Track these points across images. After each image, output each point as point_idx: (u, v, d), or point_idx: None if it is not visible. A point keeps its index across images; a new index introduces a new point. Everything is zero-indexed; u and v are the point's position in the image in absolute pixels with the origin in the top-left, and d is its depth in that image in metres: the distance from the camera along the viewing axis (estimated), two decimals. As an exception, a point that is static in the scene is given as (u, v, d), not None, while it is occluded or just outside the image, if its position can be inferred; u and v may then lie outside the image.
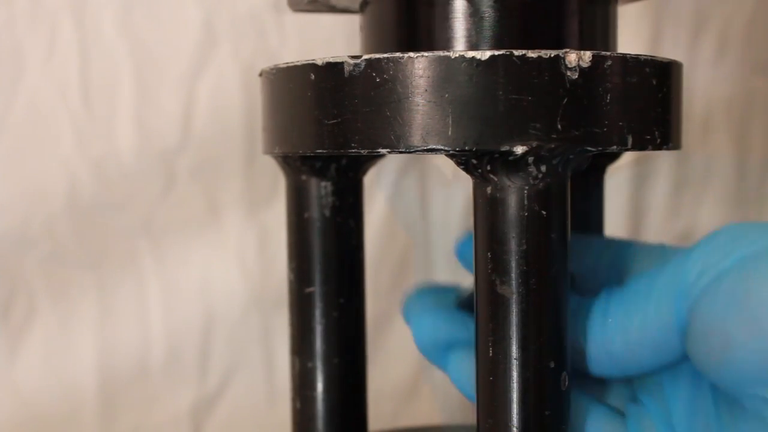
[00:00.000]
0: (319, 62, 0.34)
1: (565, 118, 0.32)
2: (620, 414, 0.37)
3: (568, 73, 0.32)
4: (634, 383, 0.39)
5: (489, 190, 0.33)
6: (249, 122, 0.65)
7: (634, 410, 0.37)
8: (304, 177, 0.40)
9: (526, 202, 0.32)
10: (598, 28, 0.39)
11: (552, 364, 0.33)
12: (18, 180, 0.63)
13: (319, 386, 0.41)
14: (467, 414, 0.67)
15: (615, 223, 0.70)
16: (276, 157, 0.40)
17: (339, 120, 0.33)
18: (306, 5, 0.43)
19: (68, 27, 0.63)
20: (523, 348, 0.33)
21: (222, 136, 0.65)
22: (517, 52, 0.31)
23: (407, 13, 0.37)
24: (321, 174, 0.40)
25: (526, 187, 0.32)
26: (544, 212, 0.33)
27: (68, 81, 0.63)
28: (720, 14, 0.71)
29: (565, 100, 0.32)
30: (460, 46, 0.36)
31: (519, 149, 0.31)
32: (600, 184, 0.46)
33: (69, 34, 0.63)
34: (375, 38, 0.39)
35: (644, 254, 0.40)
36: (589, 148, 0.32)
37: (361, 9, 0.40)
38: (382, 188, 0.69)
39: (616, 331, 0.34)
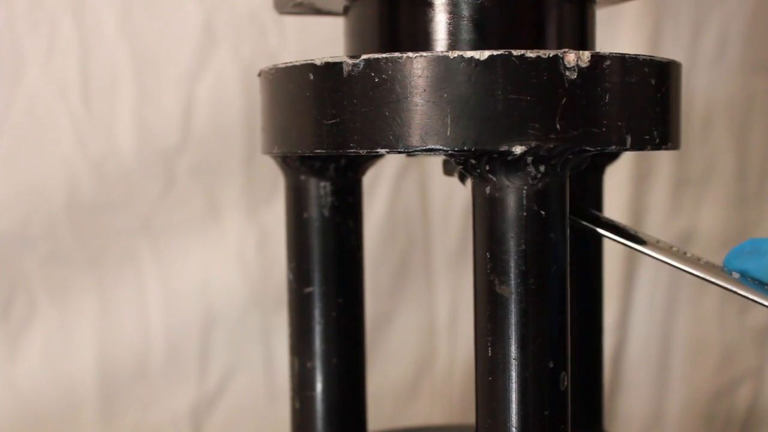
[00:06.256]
0: (318, 62, 0.34)
1: (564, 118, 0.32)
2: None
3: (567, 73, 0.32)
4: None
5: (488, 189, 0.33)
6: (248, 122, 0.65)
7: None
8: (303, 177, 0.40)
9: (524, 202, 0.32)
10: (588, 29, 0.39)
11: (551, 364, 0.33)
12: (18, 180, 0.64)
13: (319, 386, 0.41)
14: (467, 414, 0.67)
15: (615, 223, 0.70)
16: (275, 157, 0.40)
17: (338, 120, 0.33)
18: (291, 8, 0.43)
19: (68, 27, 0.63)
20: (522, 348, 0.33)
21: (222, 136, 0.65)
22: (515, 52, 0.31)
23: (390, 15, 0.37)
24: (320, 174, 0.40)
25: (525, 187, 0.32)
26: (543, 212, 0.33)
27: (68, 81, 0.63)
28: (720, 14, 0.71)
29: (564, 100, 0.32)
30: (445, 48, 0.36)
31: (518, 149, 0.31)
32: (599, 183, 0.46)
33: (69, 34, 0.63)
34: (358, 40, 0.39)
35: None
36: (587, 148, 0.32)
37: (345, 12, 0.40)
38: (382, 188, 0.69)
39: None
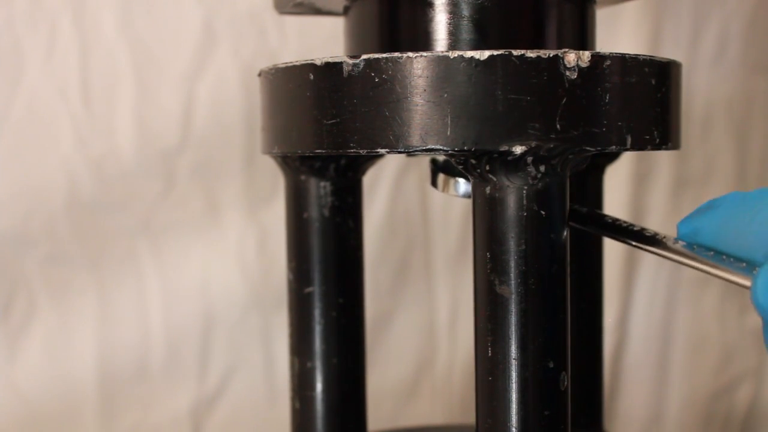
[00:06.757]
0: (318, 62, 0.34)
1: (564, 117, 0.32)
2: None
3: (567, 73, 0.32)
4: None
5: (488, 189, 0.33)
6: (249, 122, 0.65)
7: None
8: (303, 177, 0.40)
9: (525, 202, 0.32)
10: (588, 29, 0.39)
11: (551, 364, 0.33)
12: (18, 179, 0.64)
13: (319, 386, 0.41)
14: (467, 414, 0.67)
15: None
16: (275, 157, 0.40)
17: (338, 120, 0.33)
18: (291, 8, 0.43)
19: (68, 27, 0.63)
20: (522, 348, 0.33)
21: (222, 136, 0.65)
22: (516, 52, 0.31)
23: (390, 15, 0.37)
24: (320, 174, 0.40)
25: (525, 187, 0.32)
26: (543, 212, 0.33)
27: (68, 81, 0.63)
28: (720, 14, 0.71)
29: (564, 100, 0.32)
30: (445, 48, 0.36)
31: (518, 149, 0.31)
32: (599, 183, 0.46)
33: (69, 34, 0.63)
34: (358, 40, 0.39)
35: None
36: (588, 148, 0.32)
37: (345, 12, 0.40)
38: (382, 188, 0.69)
39: None
